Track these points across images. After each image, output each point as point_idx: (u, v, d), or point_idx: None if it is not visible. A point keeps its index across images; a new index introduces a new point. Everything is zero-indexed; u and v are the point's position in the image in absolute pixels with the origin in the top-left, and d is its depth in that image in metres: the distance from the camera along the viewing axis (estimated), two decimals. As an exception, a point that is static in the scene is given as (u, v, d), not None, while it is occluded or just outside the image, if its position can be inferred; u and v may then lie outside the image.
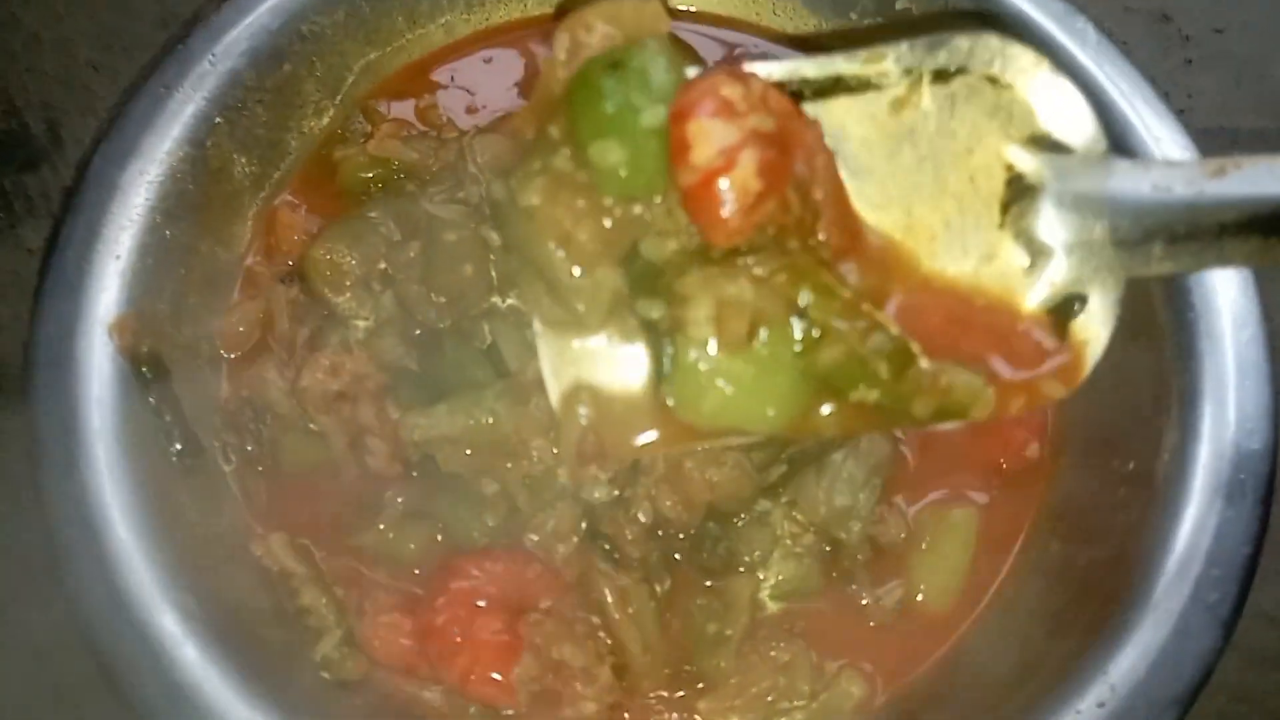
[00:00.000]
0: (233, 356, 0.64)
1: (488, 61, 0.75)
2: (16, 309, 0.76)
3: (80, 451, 0.54)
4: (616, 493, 0.58)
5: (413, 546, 0.59)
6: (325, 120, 0.71)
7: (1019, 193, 0.44)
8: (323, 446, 0.61)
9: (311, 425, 0.61)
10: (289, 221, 0.68)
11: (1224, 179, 0.40)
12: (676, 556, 0.59)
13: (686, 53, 0.61)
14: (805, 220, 0.42)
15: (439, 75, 0.74)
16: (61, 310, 0.57)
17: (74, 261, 0.58)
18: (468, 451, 0.57)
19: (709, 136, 0.40)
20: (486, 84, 0.74)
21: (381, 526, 0.59)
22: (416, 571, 0.59)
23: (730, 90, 0.41)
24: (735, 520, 0.59)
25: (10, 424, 0.71)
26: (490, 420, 0.57)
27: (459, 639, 0.55)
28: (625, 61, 0.42)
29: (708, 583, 0.58)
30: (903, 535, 0.59)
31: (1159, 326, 0.59)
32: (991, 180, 0.44)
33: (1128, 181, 0.42)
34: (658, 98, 0.42)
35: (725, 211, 0.41)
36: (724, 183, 0.40)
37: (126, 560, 0.52)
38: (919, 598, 0.58)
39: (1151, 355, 0.59)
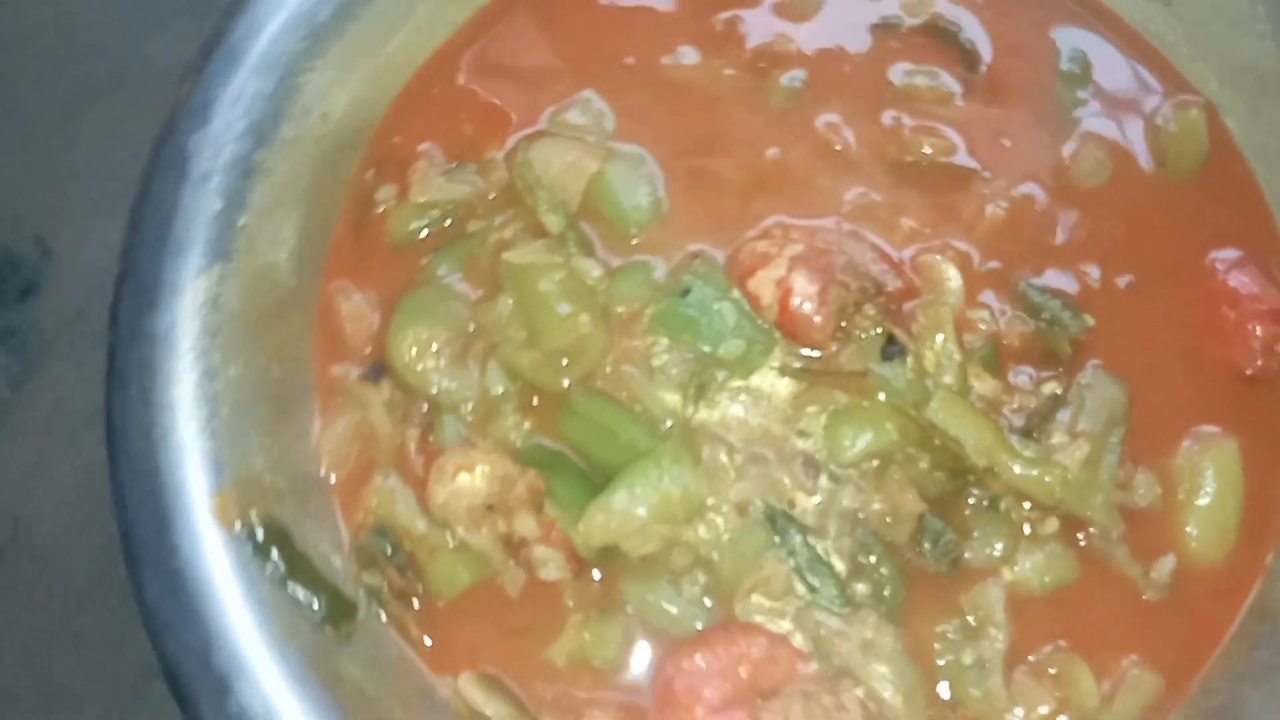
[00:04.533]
0: (339, 484, 0.55)
1: (503, 44, 0.64)
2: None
3: (233, 666, 0.46)
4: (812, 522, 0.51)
5: (612, 647, 0.51)
6: (349, 178, 0.60)
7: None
8: (477, 560, 0.53)
9: (457, 536, 0.53)
10: (348, 310, 0.58)
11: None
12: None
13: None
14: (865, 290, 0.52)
15: (449, 85, 0.63)
16: (149, 504, 0.49)
17: (141, 442, 0.49)
18: (659, 531, 0.50)
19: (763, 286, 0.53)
20: (509, 77, 0.63)
21: (569, 633, 0.52)
22: (619, 678, 0.52)
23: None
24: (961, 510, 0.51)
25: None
26: (675, 489, 0.49)
27: (706, 752, 0.48)
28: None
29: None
30: (1158, 492, 0.51)
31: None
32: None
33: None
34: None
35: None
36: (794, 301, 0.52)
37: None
38: (1193, 559, 0.51)
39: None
